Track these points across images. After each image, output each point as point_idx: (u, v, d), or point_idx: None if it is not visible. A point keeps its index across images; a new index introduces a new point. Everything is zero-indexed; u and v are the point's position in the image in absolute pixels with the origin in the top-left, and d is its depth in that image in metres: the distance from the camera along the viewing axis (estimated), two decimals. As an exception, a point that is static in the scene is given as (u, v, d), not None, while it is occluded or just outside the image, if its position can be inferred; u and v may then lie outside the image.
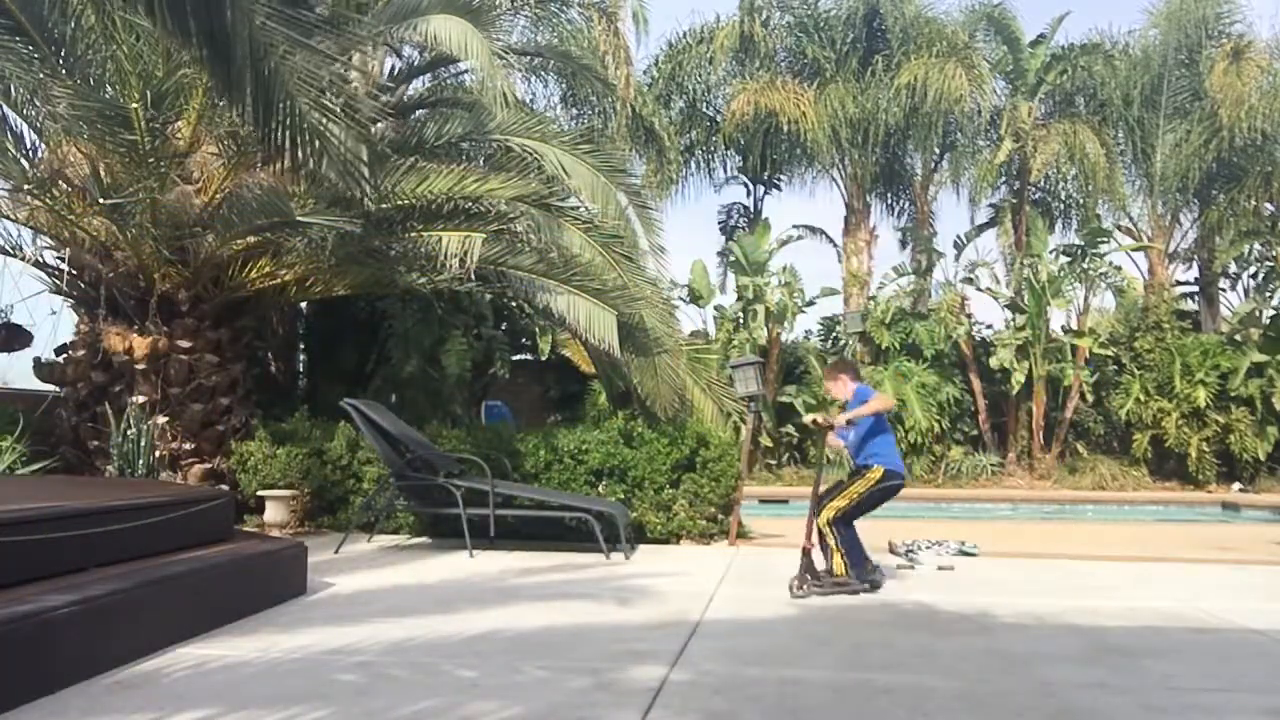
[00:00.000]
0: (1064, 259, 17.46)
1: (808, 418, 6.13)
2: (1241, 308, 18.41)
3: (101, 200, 7.11)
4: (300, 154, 5.05)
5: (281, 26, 4.44)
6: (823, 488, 5.67)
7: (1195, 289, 19.25)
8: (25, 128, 7.55)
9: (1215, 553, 7.80)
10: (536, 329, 15.94)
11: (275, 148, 5.05)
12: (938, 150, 19.37)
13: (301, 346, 11.26)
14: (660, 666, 3.72)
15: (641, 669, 3.68)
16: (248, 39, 4.28)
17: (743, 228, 20.04)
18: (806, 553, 5.42)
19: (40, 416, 7.93)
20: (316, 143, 5.03)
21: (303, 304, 10.51)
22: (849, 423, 5.60)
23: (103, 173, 7.25)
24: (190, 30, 4.17)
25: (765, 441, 16.48)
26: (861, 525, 5.69)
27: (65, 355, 8.37)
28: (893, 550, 7.10)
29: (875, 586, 5.56)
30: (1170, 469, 16.37)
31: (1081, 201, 19.54)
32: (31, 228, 7.72)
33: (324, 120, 5.00)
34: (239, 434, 8.18)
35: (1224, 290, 19.14)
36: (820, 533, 5.53)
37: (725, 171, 20.88)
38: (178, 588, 4.12)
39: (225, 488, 7.21)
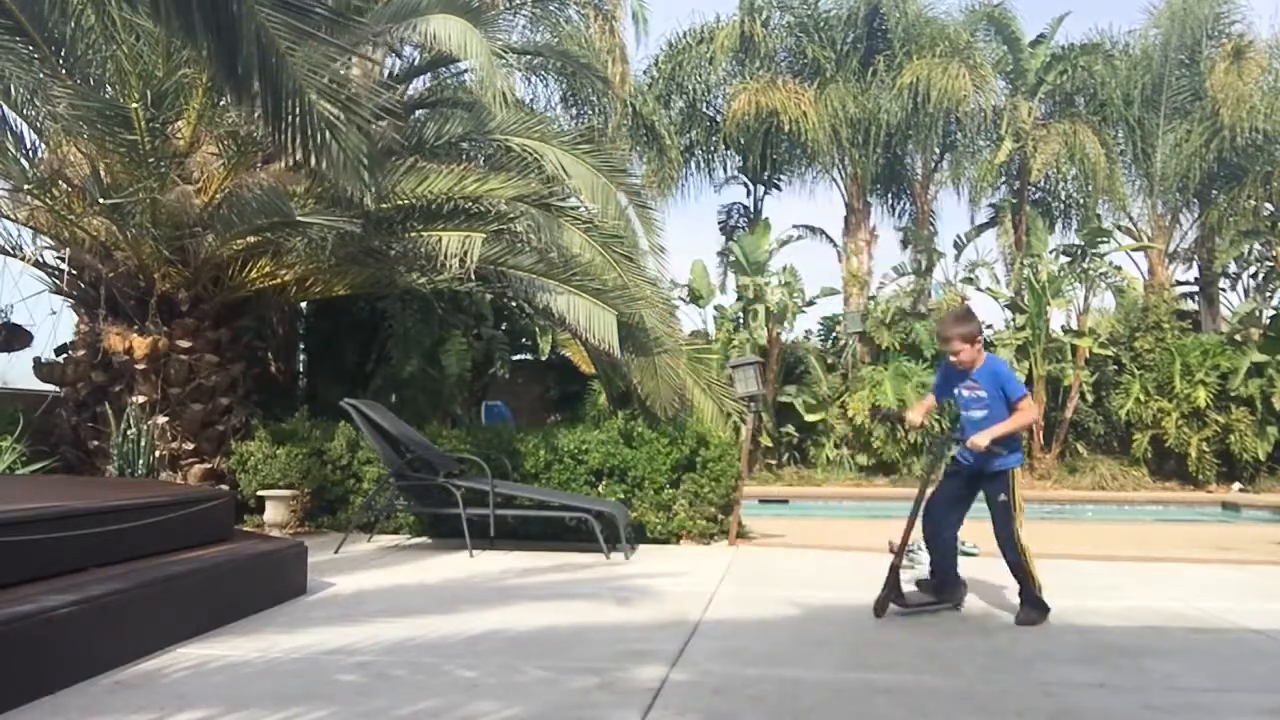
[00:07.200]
0: (1064, 259, 17.48)
1: (915, 416, 5.11)
2: (1241, 308, 18.41)
3: (101, 200, 7.11)
4: (310, 146, 5.01)
5: (288, 18, 4.43)
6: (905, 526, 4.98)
7: (1195, 289, 19.25)
8: (25, 128, 7.55)
9: (1215, 553, 7.80)
10: (536, 329, 15.95)
11: (284, 142, 5.01)
12: (938, 150, 19.39)
13: (301, 346, 11.26)
14: (660, 666, 3.72)
15: (642, 669, 3.68)
16: (255, 31, 4.27)
17: (743, 228, 20.04)
18: (896, 570, 4.83)
19: (40, 416, 7.93)
20: (326, 135, 5.00)
21: (303, 304, 10.51)
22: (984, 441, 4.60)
23: (103, 173, 7.25)
24: (195, 24, 4.16)
25: (765, 441, 16.47)
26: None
27: (65, 355, 8.37)
28: (893, 550, 7.09)
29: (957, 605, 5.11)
30: (1170, 469, 16.36)
31: (1081, 201, 19.56)
32: (31, 228, 7.72)
33: (334, 112, 4.99)
34: (239, 434, 8.18)
35: (1224, 290, 19.15)
36: (1022, 564, 4.81)
37: (725, 171, 20.91)
38: (178, 588, 4.12)
39: (225, 488, 7.21)
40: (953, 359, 4.83)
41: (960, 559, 7.09)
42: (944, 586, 5.07)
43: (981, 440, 4.60)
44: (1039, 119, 18.20)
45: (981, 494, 4.96)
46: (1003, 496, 4.80)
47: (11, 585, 3.50)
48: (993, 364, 4.87)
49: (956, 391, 4.94)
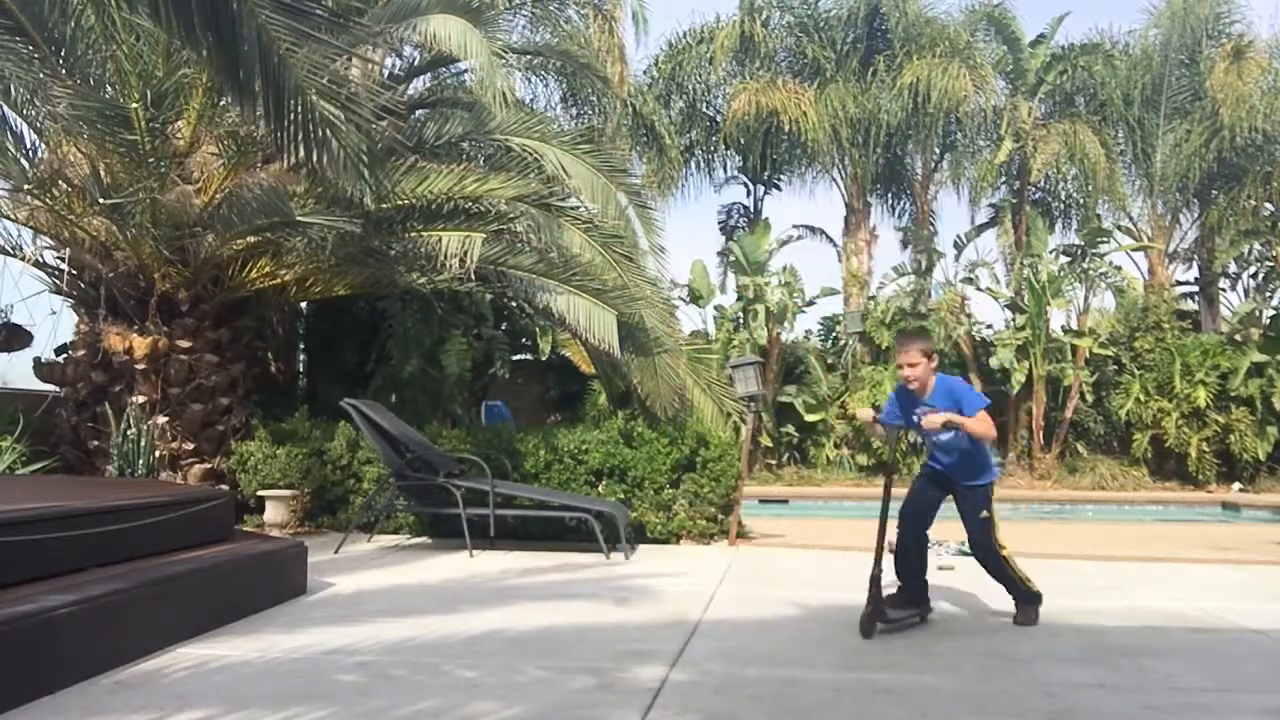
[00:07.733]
0: (1064, 259, 17.45)
1: (863, 414, 5.09)
2: (1241, 308, 18.39)
3: (101, 200, 7.11)
4: (310, 146, 5.03)
5: (288, 19, 4.43)
6: (889, 530, 4.79)
7: (1195, 289, 19.24)
8: (25, 128, 7.56)
9: (1215, 553, 7.80)
10: (536, 329, 15.94)
11: (285, 141, 5.01)
12: (938, 150, 19.38)
13: (301, 346, 11.26)
14: (660, 666, 3.72)
15: (642, 669, 3.68)
16: (255, 32, 4.28)
17: (743, 228, 20.03)
18: (876, 580, 4.51)
19: (40, 416, 7.93)
20: (327, 133, 5.01)
21: (303, 304, 10.51)
22: (940, 426, 4.58)
23: (103, 173, 7.25)
24: (195, 25, 4.16)
25: (765, 441, 16.47)
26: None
27: (65, 355, 8.38)
28: (892, 550, 7.08)
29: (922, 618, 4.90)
30: (1170, 469, 16.35)
31: (1081, 201, 19.54)
32: (31, 228, 7.72)
33: (335, 111, 4.99)
34: (239, 434, 8.18)
35: (1224, 290, 19.13)
36: (1006, 570, 4.78)
37: (725, 171, 20.90)
38: (178, 588, 4.12)
39: (225, 488, 7.21)
40: (908, 373, 4.74)
41: (958, 559, 7.10)
42: (917, 596, 4.89)
43: (937, 420, 4.52)
44: (1039, 119, 18.18)
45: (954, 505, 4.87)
46: (984, 513, 4.76)
47: (11, 585, 3.50)
48: (945, 383, 4.79)
49: (915, 419, 4.84)
